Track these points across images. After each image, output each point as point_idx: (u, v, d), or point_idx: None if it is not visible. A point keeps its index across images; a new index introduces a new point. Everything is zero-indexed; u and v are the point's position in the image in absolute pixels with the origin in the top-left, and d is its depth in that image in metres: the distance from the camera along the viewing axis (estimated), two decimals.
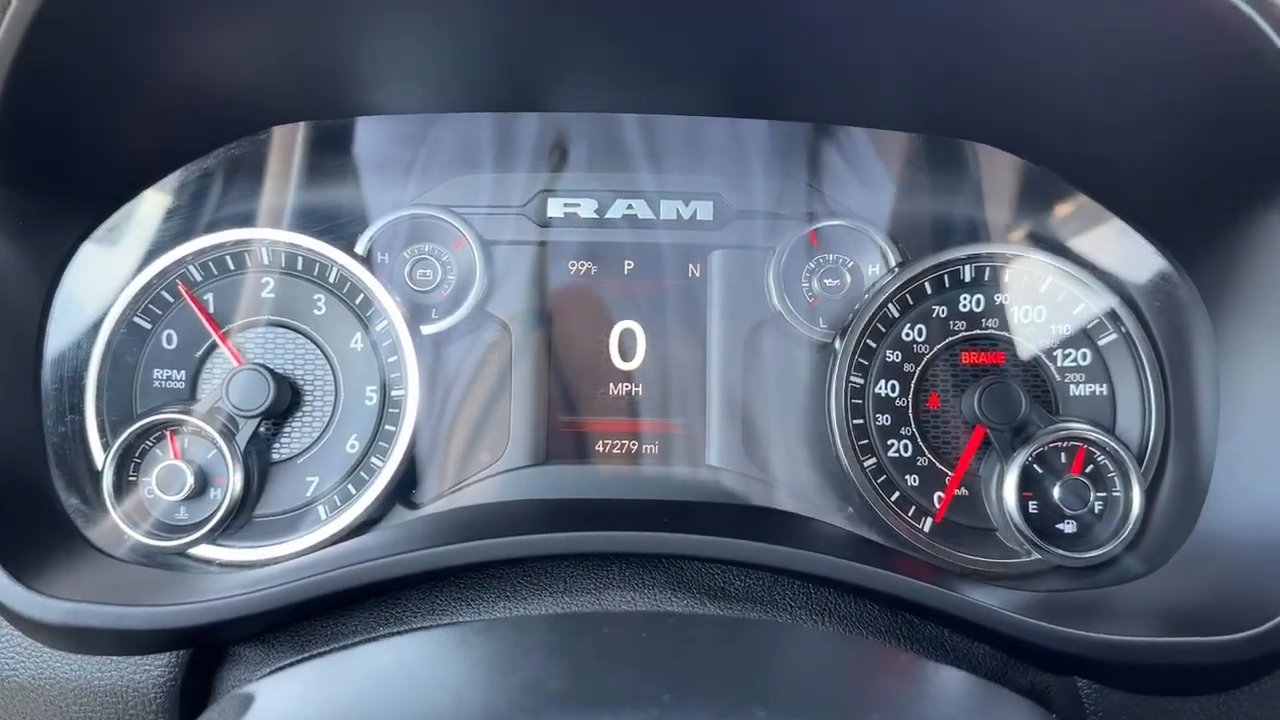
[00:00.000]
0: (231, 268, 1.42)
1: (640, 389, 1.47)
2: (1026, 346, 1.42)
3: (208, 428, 1.34)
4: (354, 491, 1.39)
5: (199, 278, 1.41)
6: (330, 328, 1.42)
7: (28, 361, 1.28)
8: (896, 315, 1.44)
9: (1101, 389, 1.41)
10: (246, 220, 1.42)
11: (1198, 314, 1.29)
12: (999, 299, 1.43)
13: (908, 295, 1.44)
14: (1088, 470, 1.36)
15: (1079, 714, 1.10)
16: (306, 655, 1.13)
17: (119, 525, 1.32)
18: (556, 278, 1.48)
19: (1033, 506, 1.37)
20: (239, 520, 1.36)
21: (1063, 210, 1.42)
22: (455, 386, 1.46)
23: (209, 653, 1.14)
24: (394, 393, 1.41)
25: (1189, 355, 1.32)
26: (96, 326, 1.37)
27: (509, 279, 1.47)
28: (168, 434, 1.36)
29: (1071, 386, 1.42)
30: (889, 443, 1.42)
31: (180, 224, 1.40)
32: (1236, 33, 0.97)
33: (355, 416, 1.41)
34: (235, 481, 1.33)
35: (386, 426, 1.41)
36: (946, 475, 1.42)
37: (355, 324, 1.42)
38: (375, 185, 1.47)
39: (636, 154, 1.47)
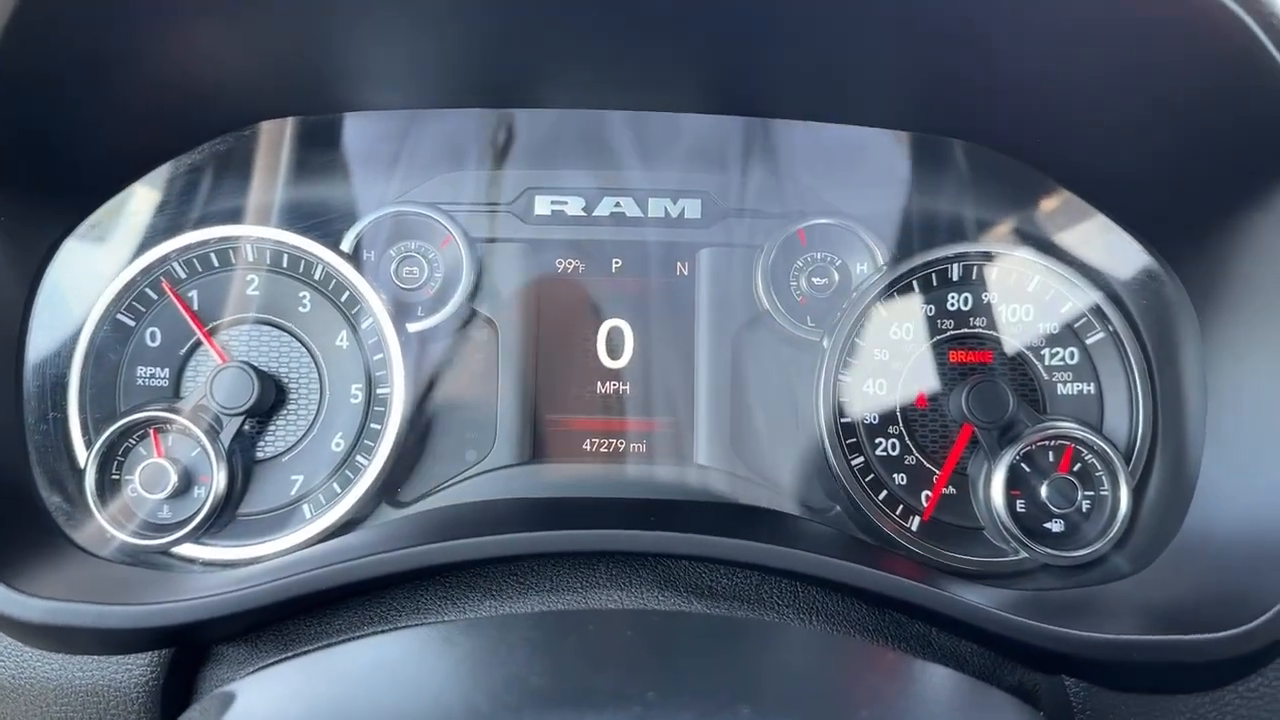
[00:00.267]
0: (216, 265, 1.41)
1: (627, 387, 1.47)
2: (1014, 345, 1.43)
3: (192, 426, 1.33)
4: (339, 490, 1.38)
5: (183, 274, 1.40)
6: (316, 325, 1.41)
7: (9, 359, 1.27)
8: (884, 313, 1.44)
9: (1089, 388, 1.41)
10: (231, 217, 1.41)
11: (1185, 313, 1.29)
12: (986, 297, 1.43)
13: (895, 293, 1.44)
14: (1075, 469, 1.36)
15: (1066, 713, 1.10)
16: (289, 654, 1.12)
17: (101, 524, 1.31)
18: (543, 275, 1.47)
19: (1020, 505, 1.37)
20: (223, 519, 1.35)
21: (1050, 209, 1.42)
22: (441, 384, 1.45)
23: (191, 652, 1.13)
24: (379, 390, 1.40)
25: (1176, 354, 1.33)
26: (79, 323, 1.36)
27: (496, 276, 1.46)
28: (151, 432, 1.35)
29: (1059, 385, 1.42)
30: (877, 441, 1.42)
31: (164, 220, 1.39)
32: (1227, 33, 0.97)
33: (340, 414, 1.40)
34: (219, 480, 1.32)
35: (372, 425, 1.40)
36: (934, 474, 1.41)
37: (341, 321, 1.41)
38: (362, 182, 1.46)
39: (624, 151, 1.47)
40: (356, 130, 1.43)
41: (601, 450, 1.46)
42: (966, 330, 1.43)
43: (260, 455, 1.39)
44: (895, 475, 1.42)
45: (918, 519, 1.41)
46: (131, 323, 1.39)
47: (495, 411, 1.45)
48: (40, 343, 1.31)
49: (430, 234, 1.46)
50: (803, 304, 1.46)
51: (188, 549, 1.34)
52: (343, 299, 1.41)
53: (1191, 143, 1.16)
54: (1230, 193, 1.16)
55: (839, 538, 1.39)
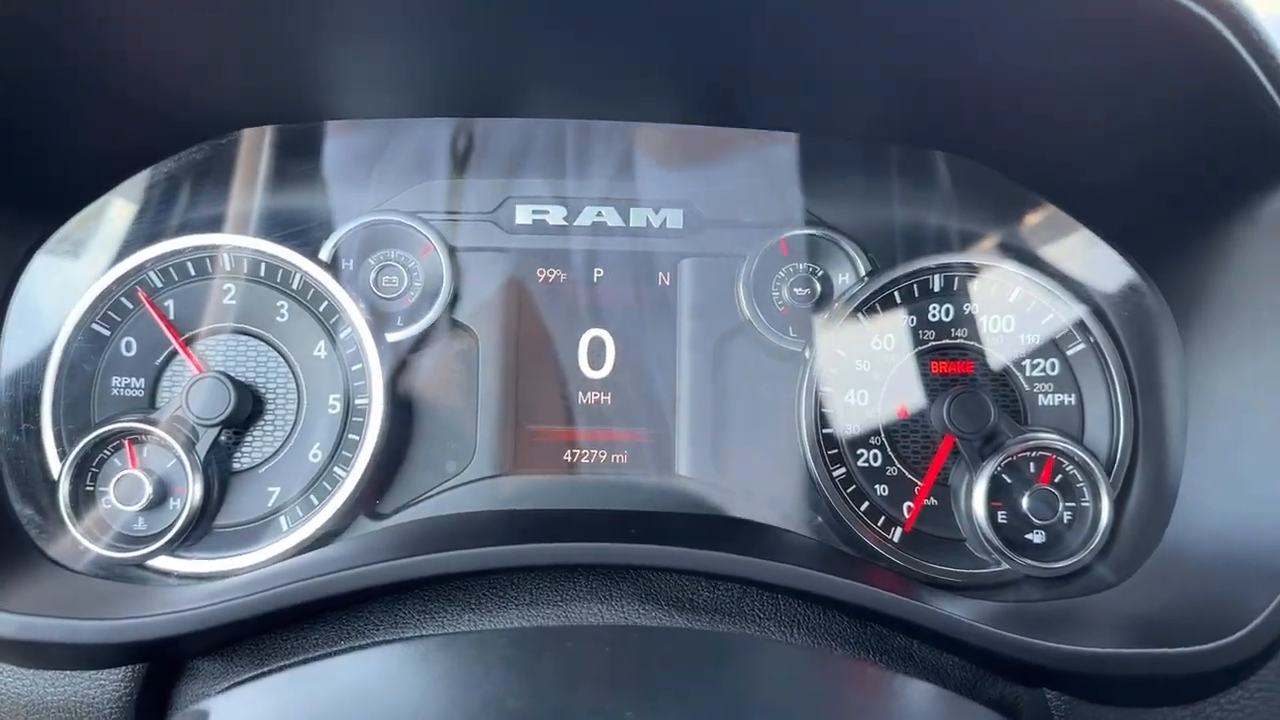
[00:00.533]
0: (193, 274, 1.39)
1: (609, 398, 1.46)
2: (995, 356, 1.43)
3: (167, 437, 1.31)
4: (316, 502, 1.37)
5: (159, 284, 1.39)
6: (293, 335, 1.40)
7: None
8: (866, 324, 1.44)
9: (1070, 399, 1.42)
10: (209, 226, 1.40)
11: (1166, 325, 1.30)
12: (968, 308, 1.43)
13: (877, 304, 1.44)
14: (1056, 480, 1.37)
15: None
16: (265, 670, 1.11)
17: (75, 536, 1.30)
18: (524, 285, 1.46)
19: (1002, 516, 1.37)
20: (199, 531, 1.34)
21: (1032, 221, 1.42)
22: (420, 395, 1.44)
23: (166, 666, 1.11)
24: (358, 401, 1.39)
25: (1157, 366, 1.33)
26: (53, 334, 1.35)
27: (476, 286, 1.45)
28: (126, 443, 1.34)
29: (1040, 396, 1.42)
30: (858, 452, 1.42)
31: (140, 229, 1.38)
32: (1204, 45, 0.97)
33: (318, 425, 1.39)
34: (195, 492, 1.31)
35: (350, 435, 1.38)
36: (916, 485, 1.41)
37: (319, 331, 1.40)
38: (341, 190, 1.45)
39: (606, 161, 1.46)
40: (335, 139, 1.42)
41: (582, 461, 1.45)
42: (948, 341, 1.43)
43: (237, 466, 1.38)
44: (877, 486, 1.41)
45: (899, 530, 1.41)
46: (106, 333, 1.37)
47: (475, 422, 1.44)
48: (13, 353, 1.30)
49: (410, 243, 1.45)
50: (784, 314, 1.46)
51: (163, 561, 1.32)
52: (321, 308, 1.40)
53: (1171, 156, 1.17)
54: (1210, 205, 1.17)
55: (820, 549, 1.39)
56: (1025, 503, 1.35)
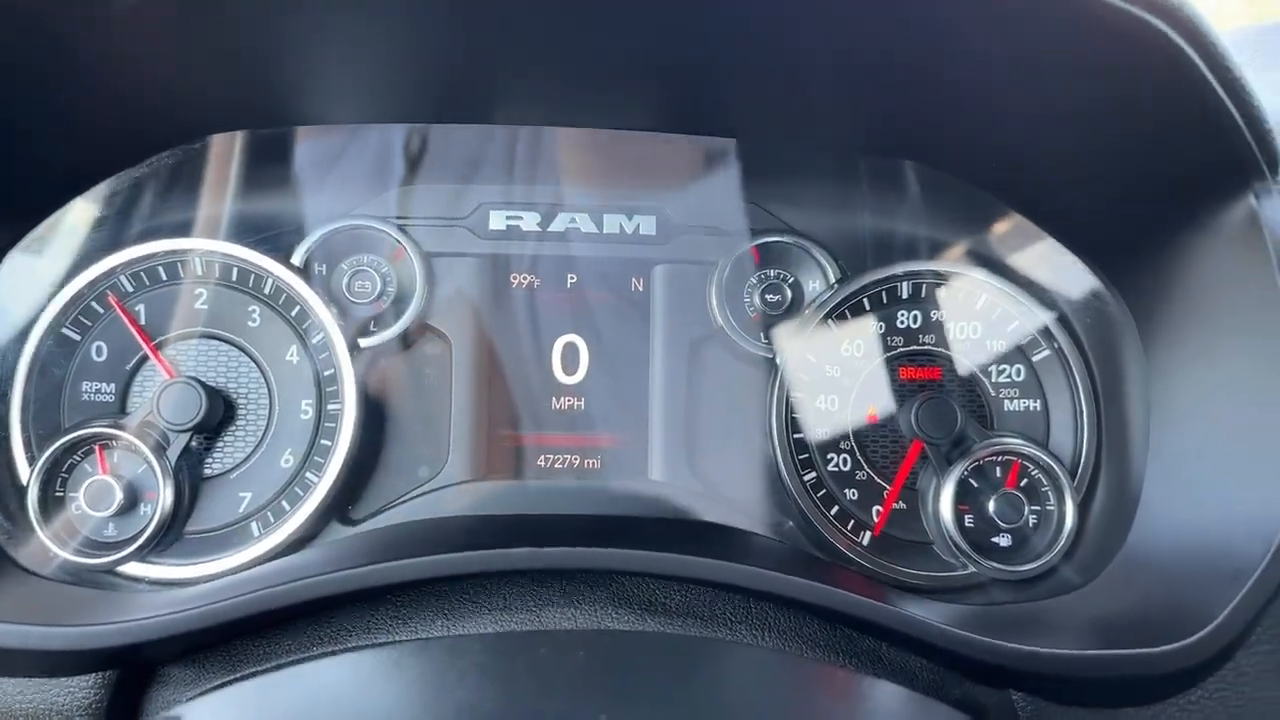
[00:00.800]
0: (164, 278, 1.39)
1: (582, 403, 1.47)
2: (962, 362, 1.45)
3: (138, 442, 1.31)
4: (288, 508, 1.36)
5: (130, 288, 1.38)
6: (265, 340, 1.39)
7: None
8: (836, 331, 1.45)
9: (1035, 404, 1.44)
10: (180, 230, 1.39)
11: (1129, 332, 1.32)
12: (936, 315, 1.46)
13: (847, 311, 1.46)
14: (1022, 484, 1.39)
15: None
16: (236, 676, 1.11)
17: (45, 542, 1.29)
18: (498, 290, 1.47)
19: (969, 520, 1.39)
20: (169, 537, 1.33)
21: (999, 229, 1.45)
22: (393, 400, 1.44)
23: (137, 673, 1.11)
24: (330, 406, 1.39)
25: (1120, 372, 1.35)
26: (23, 337, 1.34)
27: (450, 291, 1.46)
28: (96, 448, 1.33)
29: (1006, 402, 1.44)
30: (828, 457, 1.44)
31: (111, 233, 1.37)
32: (1165, 60, 0.99)
33: (290, 431, 1.38)
34: (166, 497, 1.30)
35: (322, 441, 1.38)
36: (885, 489, 1.43)
37: (291, 336, 1.40)
38: (313, 196, 1.45)
39: (581, 167, 1.47)
40: (308, 144, 1.42)
41: (556, 466, 1.46)
42: (916, 347, 1.45)
43: (208, 472, 1.37)
44: (847, 490, 1.43)
45: (869, 534, 1.42)
46: (77, 337, 1.36)
47: (448, 427, 1.44)
48: None
49: (382, 248, 1.45)
50: (756, 320, 1.48)
51: (133, 567, 1.31)
52: (293, 313, 1.40)
53: (1134, 168, 1.19)
54: (1171, 216, 1.19)
55: (791, 553, 1.41)
56: (991, 506, 1.37)
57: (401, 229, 1.45)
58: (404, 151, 1.45)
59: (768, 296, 1.48)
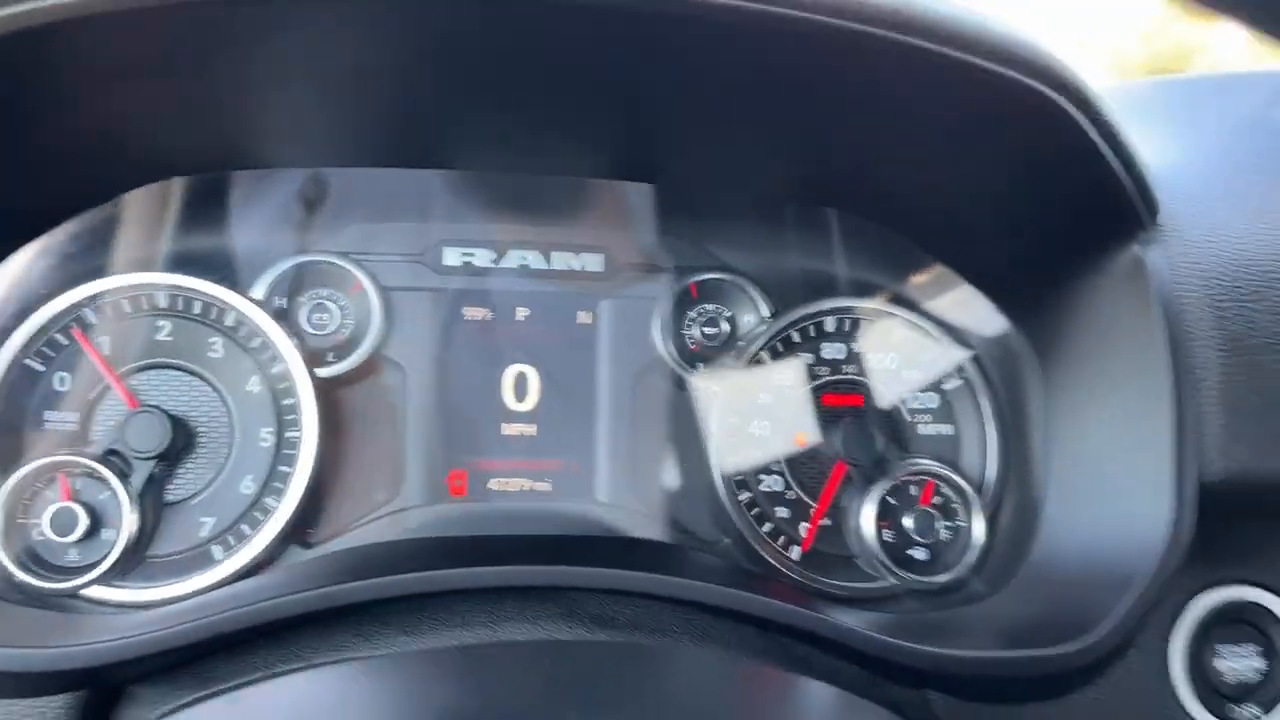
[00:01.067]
0: (128, 311, 1.41)
1: (533, 429, 1.52)
2: (881, 391, 1.53)
3: (102, 469, 1.32)
4: (249, 532, 1.39)
5: (94, 321, 1.40)
6: (227, 370, 1.42)
7: None
8: (768, 361, 1.53)
9: (948, 429, 1.53)
10: (144, 265, 1.41)
11: (1031, 367, 1.40)
12: (858, 348, 1.54)
13: (778, 343, 1.53)
14: (936, 502, 1.46)
15: None
16: (204, 693, 1.12)
17: (7, 567, 1.30)
18: (452, 323, 1.51)
19: (888, 535, 1.45)
20: (133, 561, 1.35)
21: (917, 273, 1.54)
22: (351, 428, 1.48)
23: (104, 693, 1.12)
24: (289, 434, 1.41)
25: (1023, 402, 1.44)
26: None
27: (405, 324, 1.50)
28: (59, 476, 1.35)
29: (920, 426, 1.52)
30: (761, 478, 1.50)
31: (75, 269, 1.39)
32: (1044, 117, 1.06)
33: (250, 458, 1.41)
34: (130, 523, 1.32)
35: (281, 468, 1.41)
36: (812, 507, 1.50)
37: (252, 367, 1.42)
38: (273, 233, 1.48)
39: (532, 210, 1.53)
40: (269, 185, 1.46)
41: (508, 489, 1.51)
42: (840, 377, 1.53)
43: (170, 498, 1.39)
44: (778, 509, 1.49)
45: (798, 549, 1.49)
46: (40, 368, 1.38)
47: (404, 453, 1.48)
48: None
49: (340, 282, 1.49)
50: (695, 351, 1.55)
51: (97, 591, 1.33)
52: (254, 345, 1.43)
53: (1031, 217, 1.28)
54: (1066, 260, 1.28)
55: (727, 567, 1.47)
56: (908, 522, 1.44)
57: (360, 264, 1.49)
58: (362, 192, 1.49)
59: (706, 330, 1.55)
